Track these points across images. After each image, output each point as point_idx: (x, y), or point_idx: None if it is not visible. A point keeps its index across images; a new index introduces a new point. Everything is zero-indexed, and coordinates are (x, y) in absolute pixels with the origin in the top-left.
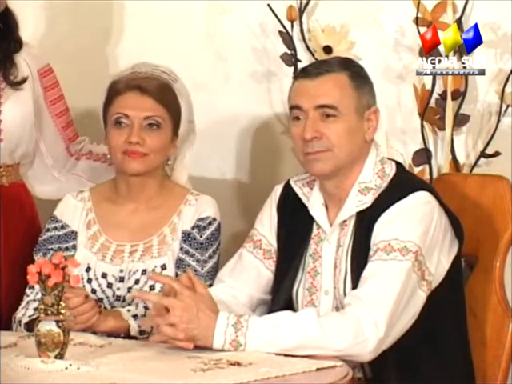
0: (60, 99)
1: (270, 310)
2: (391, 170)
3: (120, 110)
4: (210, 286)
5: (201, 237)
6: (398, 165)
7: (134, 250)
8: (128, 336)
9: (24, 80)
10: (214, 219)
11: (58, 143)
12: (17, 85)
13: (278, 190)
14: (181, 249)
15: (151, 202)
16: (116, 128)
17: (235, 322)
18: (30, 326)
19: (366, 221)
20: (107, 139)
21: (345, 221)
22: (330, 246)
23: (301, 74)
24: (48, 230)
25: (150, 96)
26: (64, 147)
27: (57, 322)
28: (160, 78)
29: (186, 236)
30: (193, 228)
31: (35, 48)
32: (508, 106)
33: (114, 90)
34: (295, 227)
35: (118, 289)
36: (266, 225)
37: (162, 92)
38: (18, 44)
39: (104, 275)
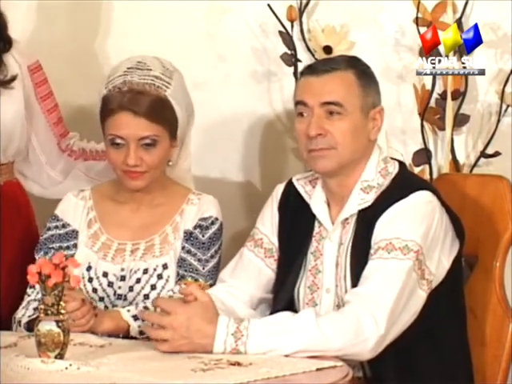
0: (50, 95)
1: (272, 309)
2: (394, 169)
3: (114, 131)
4: (211, 285)
5: (203, 236)
6: (401, 164)
7: (136, 249)
8: (127, 336)
9: (13, 78)
10: (217, 219)
11: (50, 139)
12: (6, 83)
13: (280, 188)
14: (182, 248)
15: (153, 201)
16: (113, 147)
17: (235, 331)
18: (30, 325)
19: (367, 219)
20: (107, 154)
21: (347, 219)
22: (331, 244)
23: (307, 71)
24: (49, 228)
25: (143, 117)
26: (55, 143)
27: (57, 322)
28: (152, 88)
29: (188, 235)
30: (195, 227)
31: (23, 45)
32: (508, 105)
33: (107, 109)
34: (297, 225)
35: (120, 287)
36: (267, 223)
37: (156, 110)
38: (7, 43)
39: (105, 274)
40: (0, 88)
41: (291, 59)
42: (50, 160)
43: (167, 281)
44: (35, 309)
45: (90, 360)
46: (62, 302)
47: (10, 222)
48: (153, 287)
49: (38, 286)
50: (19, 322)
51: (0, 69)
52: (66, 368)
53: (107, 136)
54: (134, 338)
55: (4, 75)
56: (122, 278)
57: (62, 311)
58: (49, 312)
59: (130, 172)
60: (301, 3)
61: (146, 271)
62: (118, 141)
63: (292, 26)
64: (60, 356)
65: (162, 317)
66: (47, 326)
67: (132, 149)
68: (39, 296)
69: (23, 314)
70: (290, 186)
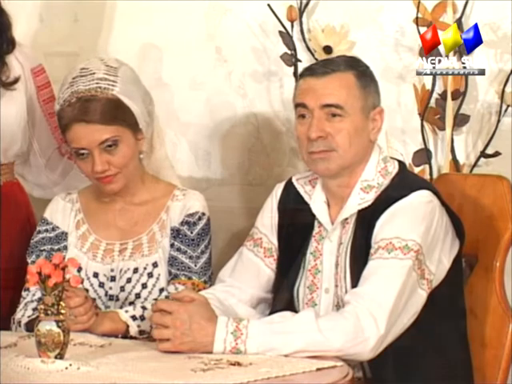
0: (52, 99)
1: (272, 309)
2: (394, 168)
3: (74, 145)
4: (205, 282)
5: (191, 233)
6: (401, 164)
7: (124, 249)
8: (126, 337)
9: (16, 80)
10: (203, 214)
11: (51, 142)
12: (9, 85)
13: (279, 188)
14: (172, 246)
15: (137, 198)
16: (79, 159)
17: (234, 330)
18: (30, 326)
19: (367, 219)
20: (77, 165)
21: (346, 219)
22: (331, 243)
23: (307, 73)
24: (39, 232)
25: (97, 122)
26: (56, 146)
27: (57, 322)
28: (98, 91)
29: (176, 233)
30: (182, 224)
31: (28, 47)
32: (508, 105)
33: (62, 125)
34: (296, 225)
35: (111, 288)
36: (267, 223)
37: (108, 112)
38: (10, 44)
39: (95, 274)
40: (2, 89)
41: (291, 59)
42: (49, 163)
43: (158, 279)
44: (34, 309)
45: (90, 360)
46: (62, 302)
47: (10, 222)
48: (144, 286)
49: (32, 288)
50: (19, 322)
51: (2, 70)
52: (66, 368)
53: (71, 149)
54: (134, 338)
55: (6, 76)
56: (113, 279)
57: (62, 311)
58: (49, 312)
59: (101, 178)
60: (301, 3)
61: (136, 270)
62: (82, 151)
63: (292, 26)
64: (60, 356)
65: (163, 316)
66: (47, 326)
67: (96, 156)
68: (35, 297)
69: (22, 314)
70: (290, 186)
